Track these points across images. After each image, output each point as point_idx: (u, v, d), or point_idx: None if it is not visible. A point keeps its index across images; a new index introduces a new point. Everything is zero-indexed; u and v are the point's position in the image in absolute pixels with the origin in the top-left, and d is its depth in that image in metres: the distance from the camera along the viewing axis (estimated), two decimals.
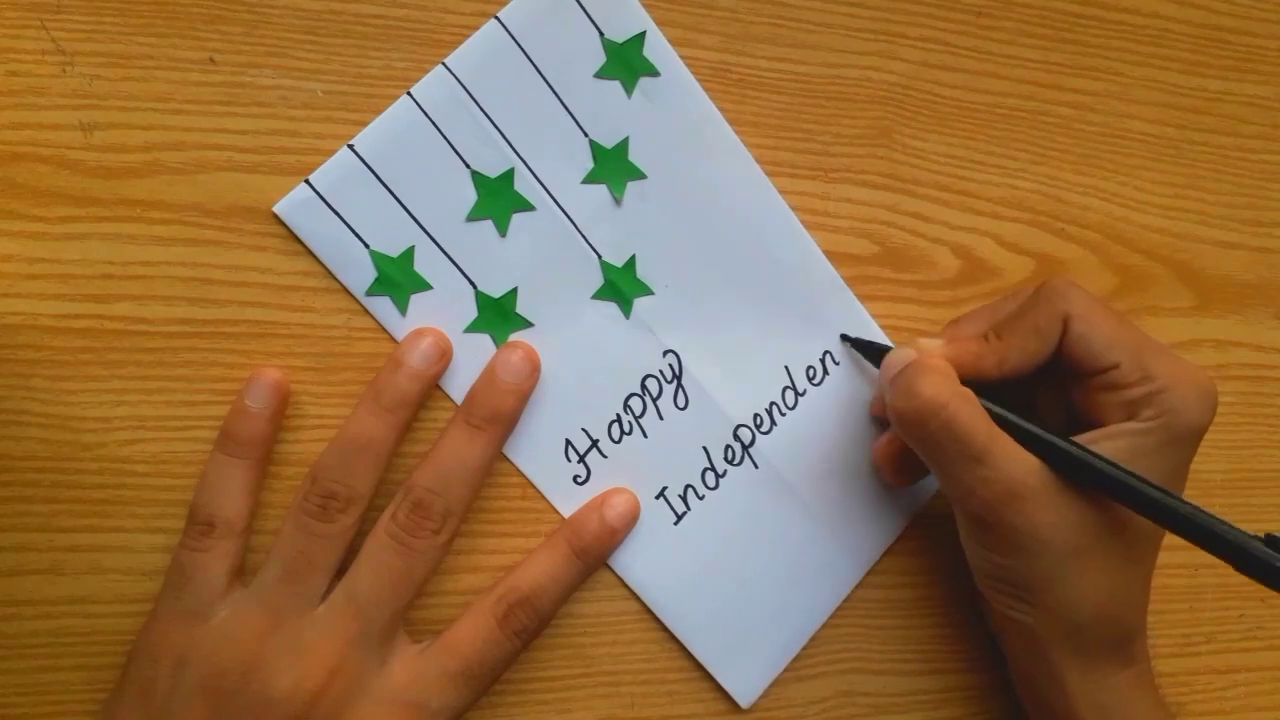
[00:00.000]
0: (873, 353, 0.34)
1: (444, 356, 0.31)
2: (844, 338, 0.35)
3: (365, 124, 0.31)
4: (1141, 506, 0.28)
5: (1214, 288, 0.40)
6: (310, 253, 0.31)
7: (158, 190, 0.30)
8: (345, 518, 0.29)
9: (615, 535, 0.33)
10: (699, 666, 0.34)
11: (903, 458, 0.34)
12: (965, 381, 0.30)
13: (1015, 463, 0.29)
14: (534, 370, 0.32)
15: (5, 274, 0.29)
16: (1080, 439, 0.30)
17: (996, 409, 0.30)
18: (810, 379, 0.35)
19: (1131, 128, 0.39)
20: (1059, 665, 0.31)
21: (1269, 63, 0.40)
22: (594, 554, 0.32)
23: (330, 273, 0.31)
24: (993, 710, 0.38)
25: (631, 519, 0.33)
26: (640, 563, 0.34)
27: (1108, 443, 0.30)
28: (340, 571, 0.30)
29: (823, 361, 0.36)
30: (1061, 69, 0.38)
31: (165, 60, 0.29)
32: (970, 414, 0.29)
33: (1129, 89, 0.38)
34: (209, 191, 0.30)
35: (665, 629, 0.34)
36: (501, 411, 0.31)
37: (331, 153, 0.30)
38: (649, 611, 0.34)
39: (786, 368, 0.35)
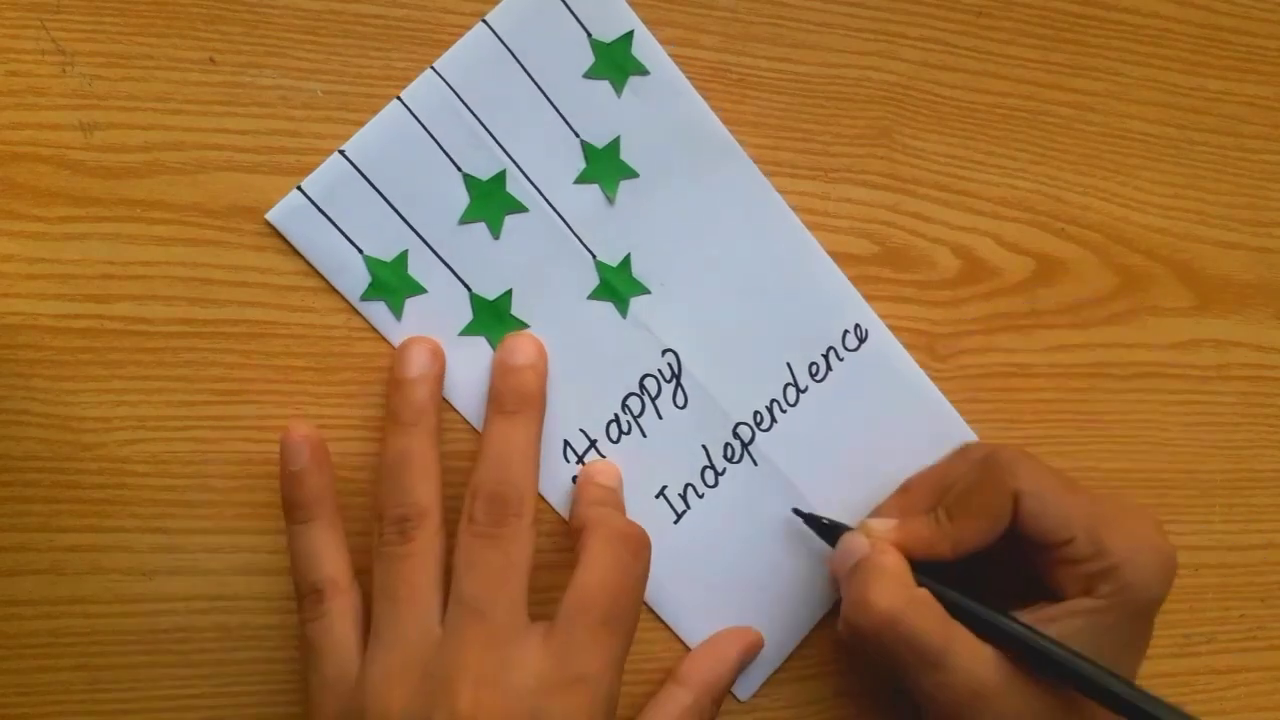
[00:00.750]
0: (824, 530, 0.34)
1: (437, 355, 0.31)
2: (796, 511, 0.35)
3: (365, 123, 0.31)
4: (1096, 695, 0.28)
5: (1214, 288, 0.40)
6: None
7: (158, 190, 0.30)
8: (425, 531, 0.29)
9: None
10: None
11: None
12: (920, 562, 0.31)
13: (974, 661, 0.29)
14: (541, 350, 0.32)
15: (5, 274, 0.29)
16: (1037, 615, 0.30)
17: (952, 595, 0.30)
18: (813, 375, 0.35)
19: (1131, 128, 0.39)
20: None
21: (1269, 63, 0.40)
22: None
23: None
24: None
25: None
26: None
27: (1066, 621, 0.30)
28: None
29: (826, 357, 0.35)
30: (1061, 69, 0.38)
31: (165, 60, 0.29)
32: (925, 620, 0.29)
33: (1129, 89, 0.38)
34: (209, 191, 0.30)
35: (665, 628, 0.34)
36: (528, 390, 0.31)
37: (331, 153, 0.30)
38: (649, 610, 0.34)
39: (789, 364, 0.35)
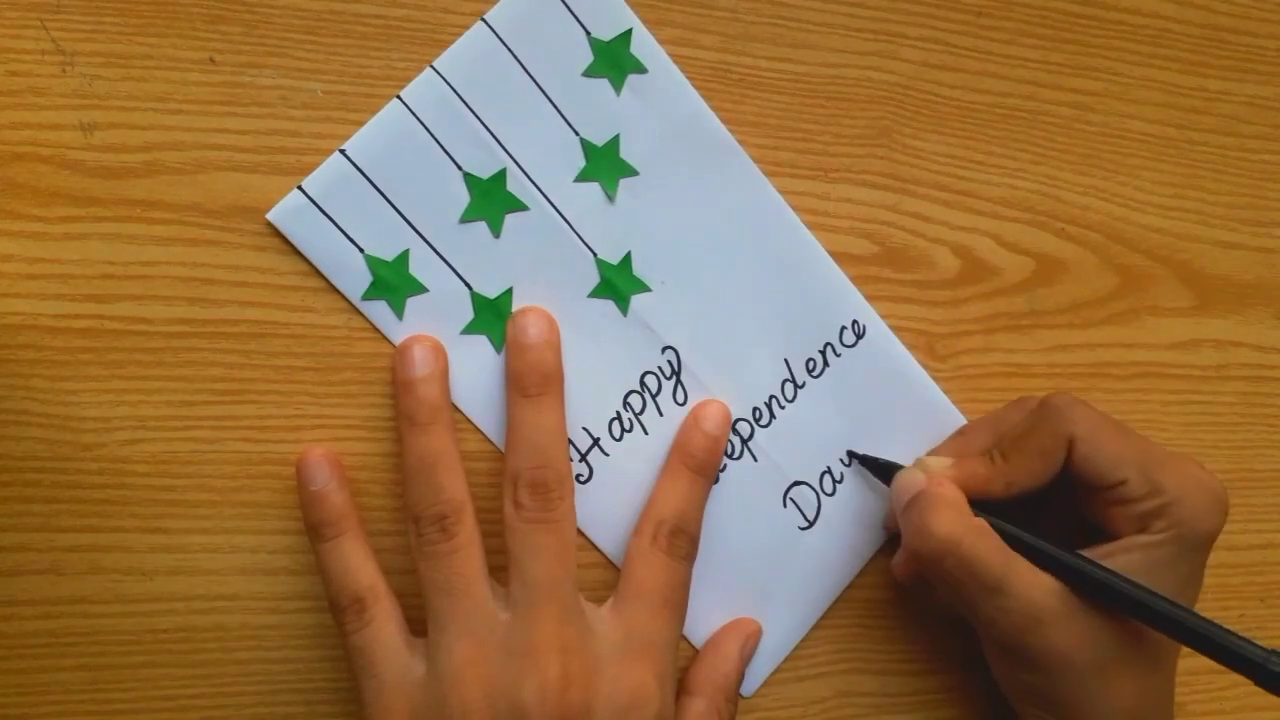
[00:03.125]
0: (880, 470, 0.35)
1: (439, 351, 0.31)
2: (850, 454, 0.35)
3: (365, 123, 0.31)
4: (1158, 623, 0.29)
5: (1214, 288, 0.40)
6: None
7: (157, 190, 0.30)
8: (463, 525, 0.29)
9: (720, 442, 0.34)
10: None
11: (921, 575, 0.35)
12: (975, 499, 0.32)
13: (1033, 588, 0.30)
14: (553, 324, 0.32)
15: (5, 274, 0.29)
16: (1094, 552, 0.31)
17: (1010, 529, 0.31)
18: (810, 371, 0.35)
19: (1131, 128, 0.39)
20: None
21: (1269, 62, 0.40)
22: (710, 467, 0.34)
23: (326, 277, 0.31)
24: (992, 710, 0.38)
25: (728, 422, 0.34)
26: None
27: (1122, 556, 0.30)
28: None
29: (823, 353, 0.36)
30: (1061, 69, 0.38)
31: (165, 60, 0.29)
32: (985, 547, 0.30)
33: (1129, 89, 0.38)
34: (209, 191, 0.30)
35: None
36: (548, 368, 0.31)
37: (331, 152, 0.30)
38: None
39: (786, 360, 0.35)
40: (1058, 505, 0.33)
